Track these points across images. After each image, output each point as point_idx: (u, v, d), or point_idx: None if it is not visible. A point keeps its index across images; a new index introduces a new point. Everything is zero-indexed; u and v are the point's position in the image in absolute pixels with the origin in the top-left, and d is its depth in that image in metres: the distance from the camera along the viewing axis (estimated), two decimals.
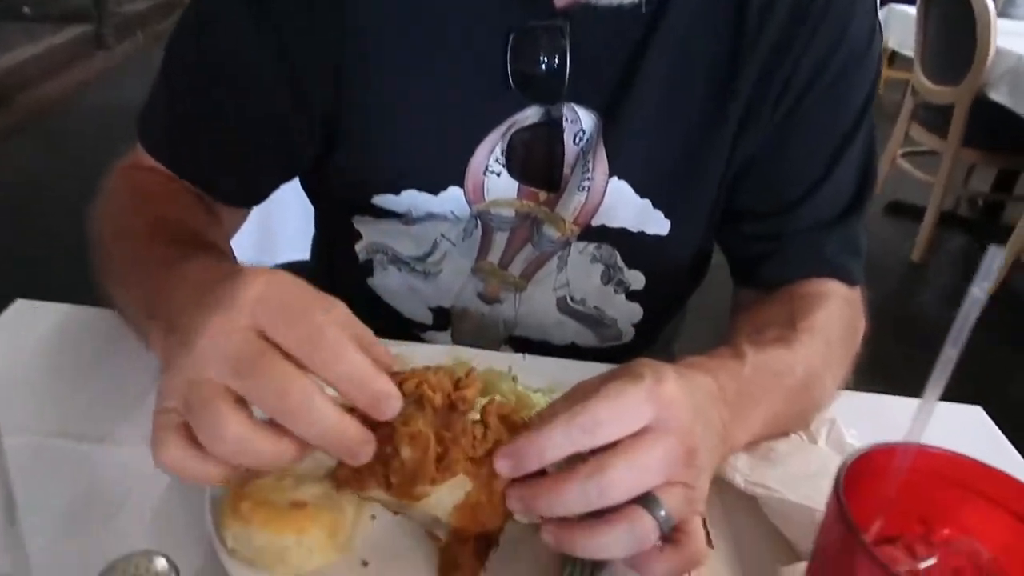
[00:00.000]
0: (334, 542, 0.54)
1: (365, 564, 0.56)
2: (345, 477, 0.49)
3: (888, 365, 1.51)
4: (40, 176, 3.16)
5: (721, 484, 0.67)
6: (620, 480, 0.46)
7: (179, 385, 0.43)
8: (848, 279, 0.79)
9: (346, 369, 0.43)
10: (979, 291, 0.36)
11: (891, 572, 0.37)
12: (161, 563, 0.40)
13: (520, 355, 0.78)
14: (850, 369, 0.75)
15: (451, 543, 0.56)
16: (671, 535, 0.48)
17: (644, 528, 0.46)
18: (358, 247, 0.85)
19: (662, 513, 0.47)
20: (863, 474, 0.41)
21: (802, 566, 0.56)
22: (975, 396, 0.79)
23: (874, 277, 0.81)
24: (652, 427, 0.47)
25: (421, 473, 0.47)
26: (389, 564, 0.56)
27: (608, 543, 0.47)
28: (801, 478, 0.63)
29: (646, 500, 0.47)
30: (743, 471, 0.65)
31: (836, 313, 0.74)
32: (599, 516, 0.47)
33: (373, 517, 0.60)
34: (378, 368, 0.44)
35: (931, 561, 0.41)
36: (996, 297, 2.80)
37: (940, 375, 0.39)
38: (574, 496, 0.46)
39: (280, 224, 1.10)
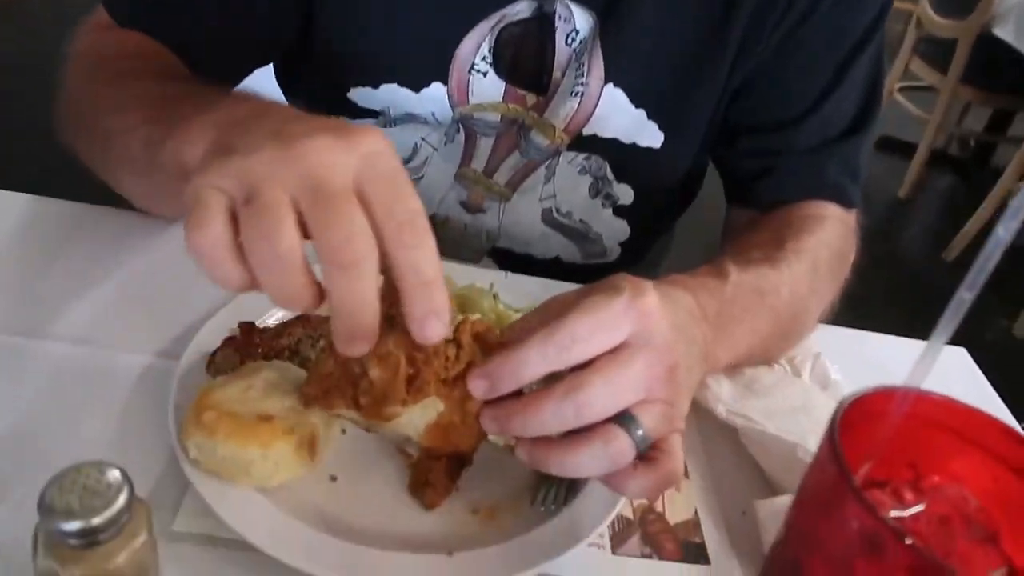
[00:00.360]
0: (301, 456, 0.52)
1: (334, 479, 0.55)
2: (313, 394, 0.47)
3: (868, 301, 1.50)
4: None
5: (700, 414, 0.66)
6: (597, 398, 0.43)
7: (250, 171, 0.38)
8: (846, 201, 0.77)
9: (425, 263, 0.39)
10: (1004, 232, 0.34)
11: (879, 517, 0.35)
12: (113, 475, 0.38)
13: (502, 273, 0.76)
14: (838, 295, 0.73)
15: (423, 461, 0.54)
16: (648, 453, 0.47)
17: (620, 447, 0.44)
18: None
19: (639, 432, 0.45)
20: (858, 415, 0.39)
21: (779, 500, 0.56)
22: (954, 337, 0.78)
23: (858, 211, 0.78)
24: (630, 342, 0.45)
25: (391, 394, 0.45)
26: (358, 480, 0.55)
27: (583, 462, 0.45)
28: (784, 412, 0.61)
29: (623, 418, 0.45)
30: (725, 401, 0.63)
31: (828, 237, 0.71)
32: (575, 434, 0.45)
33: (343, 432, 0.58)
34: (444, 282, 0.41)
35: (918, 508, 0.40)
36: (978, 239, 2.81)
37: (951, 318, 0.37)
38: (550, 416, 0.44)
39: None
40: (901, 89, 3.44)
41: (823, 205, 0.75)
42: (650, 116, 0.75)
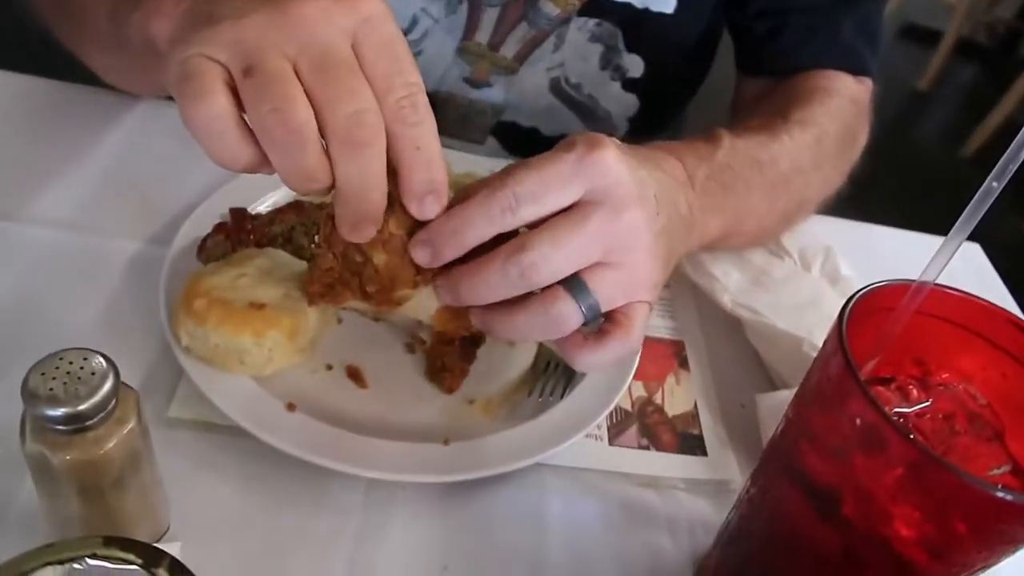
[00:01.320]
0: (295, 345, 0.51)
1: (329, 368, 0.54)
2: (318, 292, 0.45)
3: (881, 195, 1.47)
4: None
5: (702, 306, 0.65)
6: (543, 259, 0.40)
7: (245, 38, 0.36)
8: (861, 68, 0.72)
9: (426, 140, 0.38)
10: None
11: (881, 411, 0.34)
12: (97, 361, 0.37)
13: (503, 161, 0.73)
14: (846, 178, 0.69)
15: (436, 346, 0.53)
16: (603, 323, 0.43)
17: (562, 312, 0.41)
18: None
19: (589, 299, 0.41)
20: (868, 310, 0.38)
21: (780, 394, 0.55)
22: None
23: (874, 103, 0.74)
24: (587, 199, 0.41)
25: (399, 278, 0.43)
26: (355, 369, 0.54)
27: (523, 326, 0.42)
28: (791, 307, 0.60)
29: (571, 283, 0.41)
30: (732, 292, 0.62)
31: (837, 111, 0.67)
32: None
33: (339, 321, 0.57)
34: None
35: (923, 405, 0.39)
36: (998, 133, 2.73)
37: (975, 210, 0.35)
38: (495, 280, 0.41)
39: None
40: None
41: (835, 77, 0.71)
42: None
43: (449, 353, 0.52)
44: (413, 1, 0.71)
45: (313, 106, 0.36)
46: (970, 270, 0.78)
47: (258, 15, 0.36)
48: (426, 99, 0.38)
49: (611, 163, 0.41)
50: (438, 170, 0.39)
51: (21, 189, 0.62)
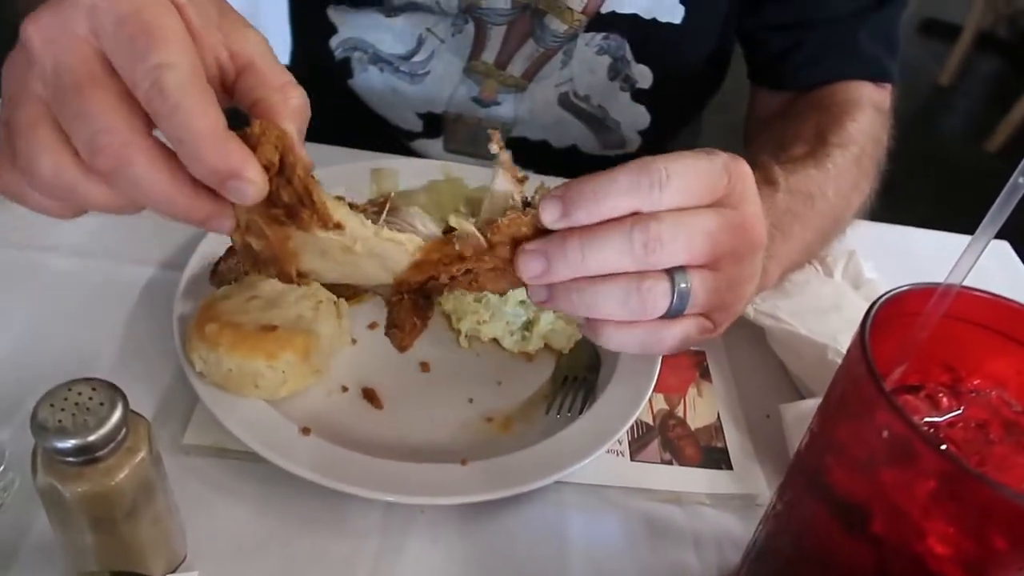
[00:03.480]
0: (309, 365, 0.50)
1: (344, 390, 0.53)
2: (254, 269, 0.42)
3: (905, 194, 1.44)
4: None
5: None
6: (669, 236, 0.37)
7: (5, 94, 0.34)
8: (882, 75, 0.71)
9: (185, 128, 0.32)
10: None
11: (909, 422, 0.33)
12: (106, 391, 0.36)
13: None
14: (875, 185, 0.68)
15: (388, 303, 0.48)
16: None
17: (654, 293, 0.38)
18: (333, 43, 0.76)
19: (683, 286, 0.39)
20: (893, 315, 0.36)
21: (806, 404, 0.54)
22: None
23: (895, 100, 0.73)
24: (720, 202, 0.39)
25: (280, 257, 0.39)
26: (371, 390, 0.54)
27: (605, 293, 0.39)
28: (814, 312, 0.59)
29: (672, 270, 0.39)
30: (754, 300, 0.61)
31: (867, 125, 0.66)
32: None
33: (354, 341, 0.56)
34: (230, 137, 0.33)
35: (954, 413, 0.38)
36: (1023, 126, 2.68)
37: (1002, 207, 0.34)
38: (615, 240, 0.37)
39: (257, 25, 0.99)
40: None
41: (858, 87, 0.70)
42: None
43: (399, 308, 0.47)
44: (419, 20, 0.71)
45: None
46: (999, 268, 0.76)
47: (7, 65, 0.34)
48: (177, 76, 0.32)
49: (752, 178, 0.40)
50: (213, 155, 0.32)
51: (32, 216, 0.61)
